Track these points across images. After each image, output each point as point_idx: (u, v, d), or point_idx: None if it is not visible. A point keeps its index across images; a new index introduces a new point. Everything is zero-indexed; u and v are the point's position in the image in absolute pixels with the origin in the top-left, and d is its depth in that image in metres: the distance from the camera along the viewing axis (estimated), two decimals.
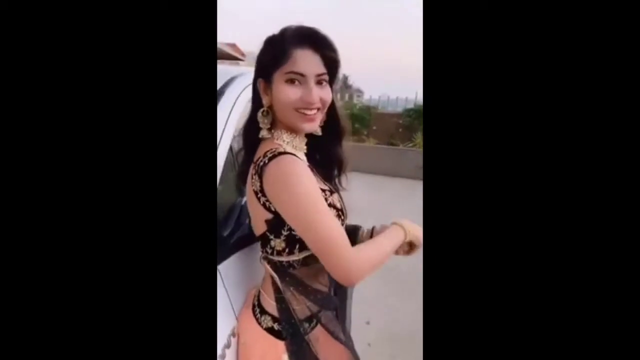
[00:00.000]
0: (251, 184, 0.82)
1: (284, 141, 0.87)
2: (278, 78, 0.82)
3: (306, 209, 0.75)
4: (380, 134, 9.15)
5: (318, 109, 0.83)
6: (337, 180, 0.99)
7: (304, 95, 0.81)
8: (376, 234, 0.96)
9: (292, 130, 0.86)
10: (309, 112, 0.82)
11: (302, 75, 0.80)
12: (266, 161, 0.78)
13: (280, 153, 0.78)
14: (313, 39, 0.81)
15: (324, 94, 0.83)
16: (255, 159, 0.83)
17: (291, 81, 0.81)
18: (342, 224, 0.86)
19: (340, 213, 0.86)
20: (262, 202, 0.81)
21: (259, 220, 0.84)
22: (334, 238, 0.76)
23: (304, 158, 0.91)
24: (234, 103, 1.15)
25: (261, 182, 0.78)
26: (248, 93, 1.01)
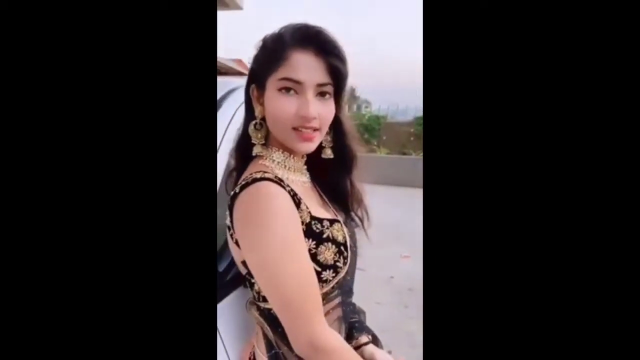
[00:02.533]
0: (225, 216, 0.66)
1: (273, 161, 0.71)
2: (271, 85, 0.66)
3: (272, 256, 0.59)
4: (391, 144, 9.01)
5: (315, 129, 0.67)
6: (354, 215, 0.81)
7: (300, 108, 0.65)
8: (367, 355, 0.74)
9: (287, 148, 0.71)
10: (305, 130, 0.66)
11: (298, 82, 0.64)
12: (237, 190, 0.63)
13: (256, 180, 0.62)
14: (316, 41, 0.65)
15: (325, 109, 0.67)
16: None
17: (286, 90, 0.65)
18: (345, 263, 0.67)
19: (343, 248, 0.68)
20: (234, 240, 0.65)
21: (237, 261, 0.69)
22: (300, 300, 0.60)
23: (305, 180, 0.75)
24: (232, 116, 1.02)
25: (231, 214, 0.64)
26: None
